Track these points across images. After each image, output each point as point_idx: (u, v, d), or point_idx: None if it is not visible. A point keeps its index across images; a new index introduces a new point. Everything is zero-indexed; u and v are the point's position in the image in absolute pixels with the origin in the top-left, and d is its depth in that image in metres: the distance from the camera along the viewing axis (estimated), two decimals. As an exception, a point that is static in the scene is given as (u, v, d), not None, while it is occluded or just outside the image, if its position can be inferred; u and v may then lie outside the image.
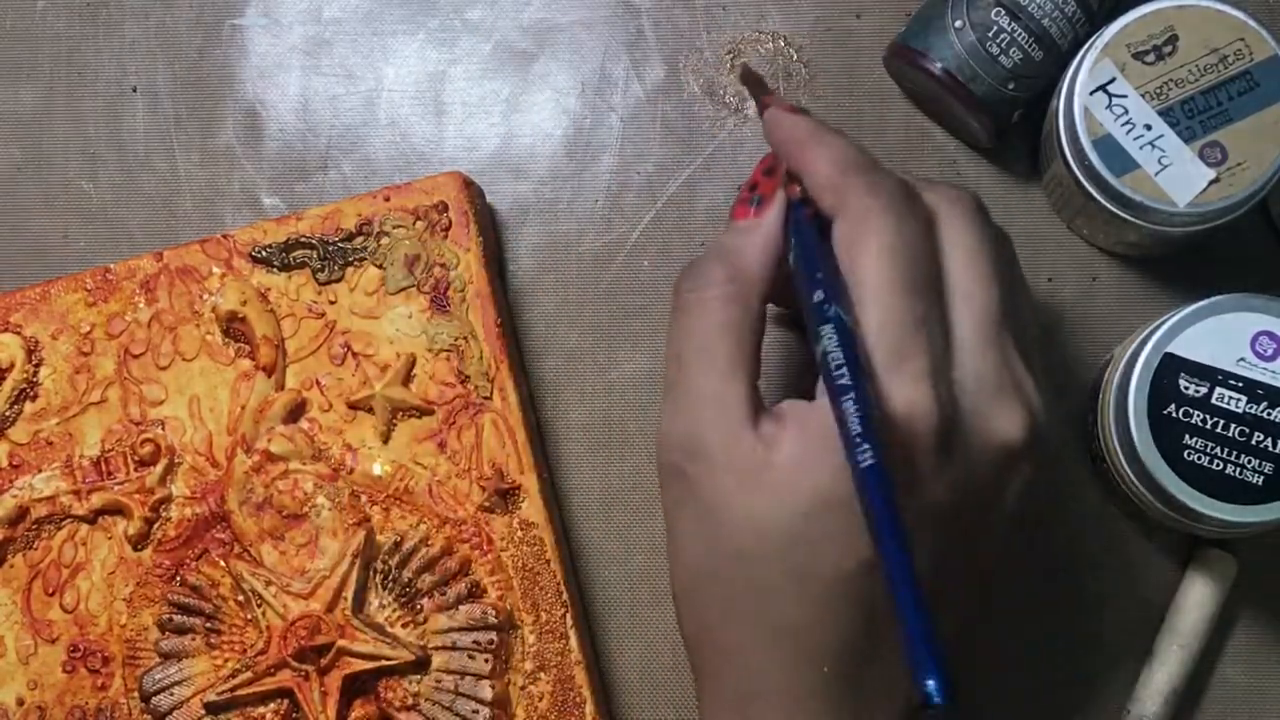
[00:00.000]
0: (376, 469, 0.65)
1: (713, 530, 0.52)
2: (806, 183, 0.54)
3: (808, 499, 0.49)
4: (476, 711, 0.63)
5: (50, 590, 0.65)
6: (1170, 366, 0.60)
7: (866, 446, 0.46)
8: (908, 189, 0.53)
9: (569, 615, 0.64)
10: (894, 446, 0.48)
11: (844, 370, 0.48)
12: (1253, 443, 0.59)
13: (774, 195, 0.55)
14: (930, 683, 0.43)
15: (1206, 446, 0.60)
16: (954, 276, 0.52)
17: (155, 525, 0.65)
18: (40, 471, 0.65)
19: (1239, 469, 0.59)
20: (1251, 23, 0.61)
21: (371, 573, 0.64)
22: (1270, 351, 0.60)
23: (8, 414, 0.66)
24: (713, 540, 0.52)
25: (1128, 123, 0.61)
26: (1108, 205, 0.62)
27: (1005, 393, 0.51)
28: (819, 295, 0.50)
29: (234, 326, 0.65)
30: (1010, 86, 0.64)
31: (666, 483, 0.53)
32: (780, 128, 0.55)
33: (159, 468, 0.65)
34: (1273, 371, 0.59)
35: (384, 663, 0.63)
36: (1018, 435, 0.51)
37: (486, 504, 0.64)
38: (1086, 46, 0.62)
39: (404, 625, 0.64)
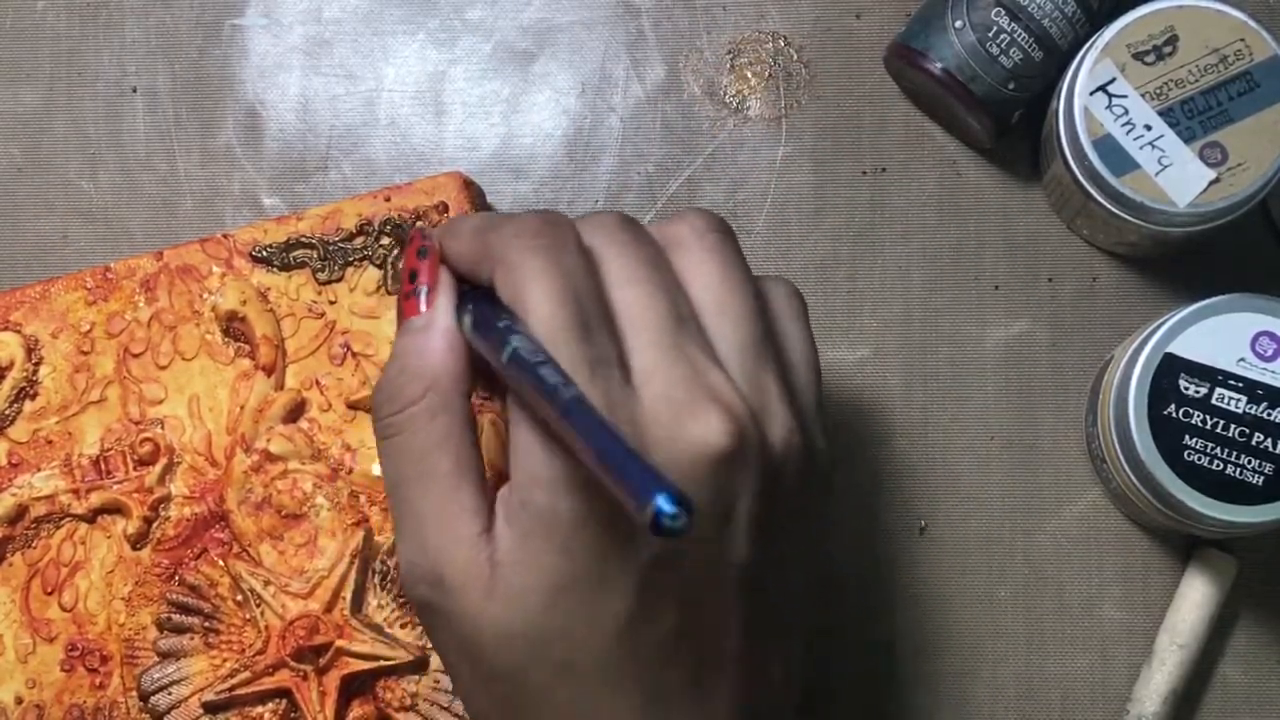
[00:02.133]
0: (376, 469, 0.64)
1: (477, 657, 0.49)
2: (458, 270, 0.52)
3: (544, 589, 0.47)
4: (475, 711, 0.63)
5: (49, 589, 0.65)
6: (1170, 367, 0.60)
7: (547, 381, 0.44)
8: (554, 220, 0.50)
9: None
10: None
11: (535, 353, 0.46)
12: (1253, 443, 0.59)
13: (436, 278, 0.53)
14: (659, 498, 0.39)
15: (1206, 447, 0.60)
16: (618, 301, 0.49)
17: (154, 524, 0.65)
18: (39, 470, 0.65)
19: (1239, 469, 0.59)
20: (1251, 23, 0.61)
21: (370, 573, 0.64)
22: (1270, 351, 0.60)
23: (7, 412, 0.66)
24: (474, 667, 0.50)
25: (1128, 123, 0.61)
26: (1108, 205, 0.62)
27: (697, 401, 0.47)
28: (503, 323, 0.48)
29: (234, 326, 0.65)
30: (1010, 86, 0.64)
31: (421, 616, 0.51)
32: (412, 246, 0.53)
33: (158, 467, 0.65)
34: (1273, 372, 0.59)
35: (382, 663, 0.63)
36: (718, 438, 0.47)
37: (486, 504, 0.64)
38: (1086, 47, 0.62)
39: (402, 625, 0.64)
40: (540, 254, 0.48)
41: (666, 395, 0.48)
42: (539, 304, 0.47)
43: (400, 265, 0.54)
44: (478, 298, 0.51)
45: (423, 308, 0.52)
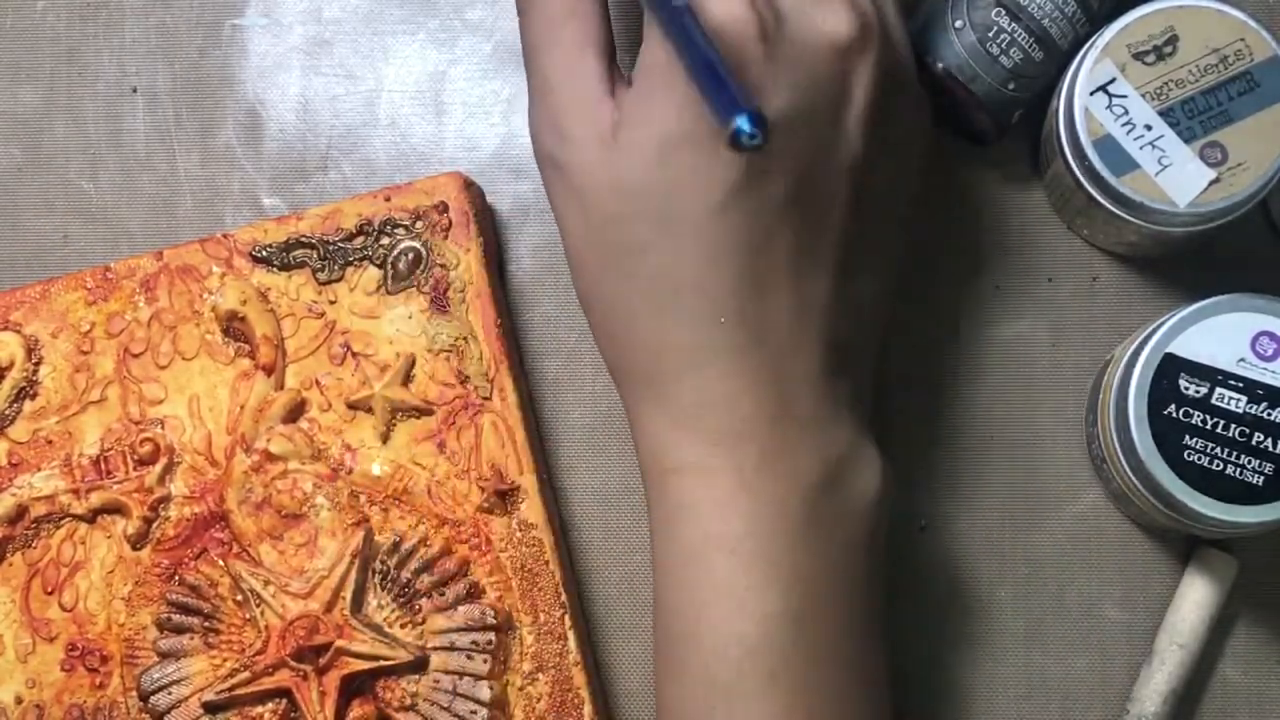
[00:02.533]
0: (376, 469, 0.65)
1: (588, 205, 0.53)
2: None
3: (654, 145, 0.50)
4: (475, 712, 0.63)
5: (49, 589, 0.65)
6: (1170, 366, 0.60)
7: None
8: None
9: (567, 616, 0.64)
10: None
11: None
12: (1253, 443, 0.59)
13: None
14: (739, 119, 0.42)
15: (1206, 447, 0.60)
16: None
17: (154, 524, 0.65)
18: (39, 470, 0.65)
19: (1239, 469, 0.59)
20: (1251, 23, 0.61)
21: (370, 573, 0.64)
22: (1270, 351, 0.60)
23: (7, 412, 0.66)
24: (590, 215, 0.53)
25: (1128, 123, 0.61)
26: (1108, 205, 0.62)
27: None
28: None
29: (234, 326, 0.65)
30: (1010, 86, 0.64)
31: (543, 172, 0.55)
32: None
33: (158, 467, 0.65)
34: (1273, 371, 0.59)
35: (382, 663, 0.63)
36: (845, 29, 0.52)
37: (485, 504, 0.64)
38: (1087, 46, 0.62)
39: (402, 625, 0.64)
40: None
41: None
42: None
43: None
44: None
45: None
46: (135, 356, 0.66)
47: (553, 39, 0.54)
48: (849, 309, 0.55)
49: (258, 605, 0.64)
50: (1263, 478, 0.59)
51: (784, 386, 0.53)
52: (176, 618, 0.64)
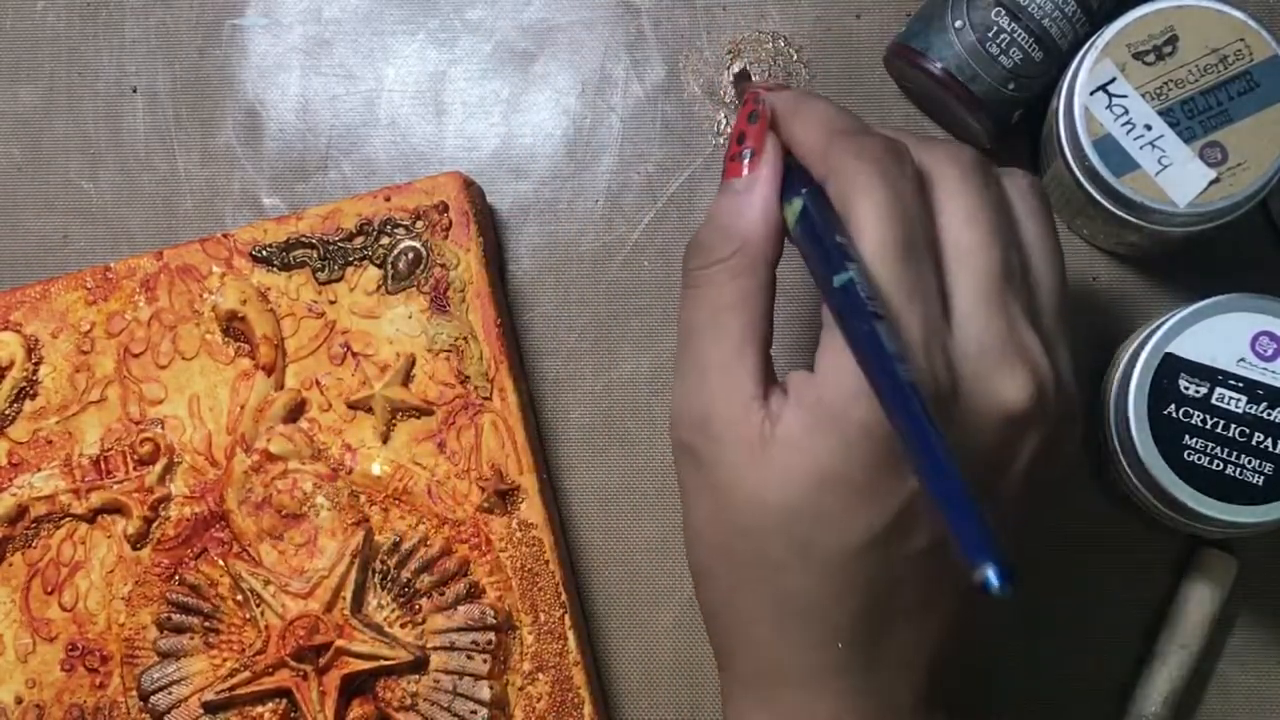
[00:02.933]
0: (376, 469, 0.65)
1: (723, 506, 0.51)
2: (795, 153, 0.53)
3: (808, 475, 0.49)
4: (475, 712, 0.63)
5: (49, 589, 0.65)
6: (1170, 366, 0.60)
7: (890, 363, 0.46)
8: (897, 149, 0.51)
9: (567, 616, 0.64)
10: None
11: (868, 302, 0.47)
12: (1253, 443, 0.59)
13: (764, 146, 0.53)
14: (989, 570, 0.40)
15: (1206, 446, 0.60)
16: (951, 238, 0.51)
17: (154, 524, 0.65)
18: (39, 470, 0.65)
19: (1239, 469, 0.59)
20: (1251, 23, 0.61)
21: (370, 573, 0.64)
22: (1270, 351, 0.60)
23: (7, 412, 0.66)
24: (723, 516, 0.51)
25: (1128, 123, 0.61)
26: (1108, 205, 0.62)
27: (1007, 358, 0.50)
28: (840, 239, 0.49)
29: (234, 326, 0.65)
30: (1010, 86, 0.64)
31: (680, 459, 0.53)
32: (745, 108, 0.54)
33: (158, 467, 0.65)
34: (1273, 371, 0.59)
35: (382, 663, 0.63)
36: (1022, 401, 0.49)
37: (486, 504, 0.64)
38: (1086, 46, 0.62)
39: (402, 625, 0.64)
40: (879, 171, 0.49)
41: (981, 342, 0.49)
42: (872, 222, 0.49)
43: (730, 125, 0.54)
44: (812, 190, 0.51)
45: (742, 172, 0.53)
46: (135, 356, 0.66)
47: (717, 326, 0.52)
48: (964, 636, 0.55)
49: (258, 605, 0.64)
50: (1263, 478, 0.59)
51: (885, 711, 0.53)
52: (176, 617, 0.64)
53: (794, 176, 0.52)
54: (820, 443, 0.49)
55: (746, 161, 0.53)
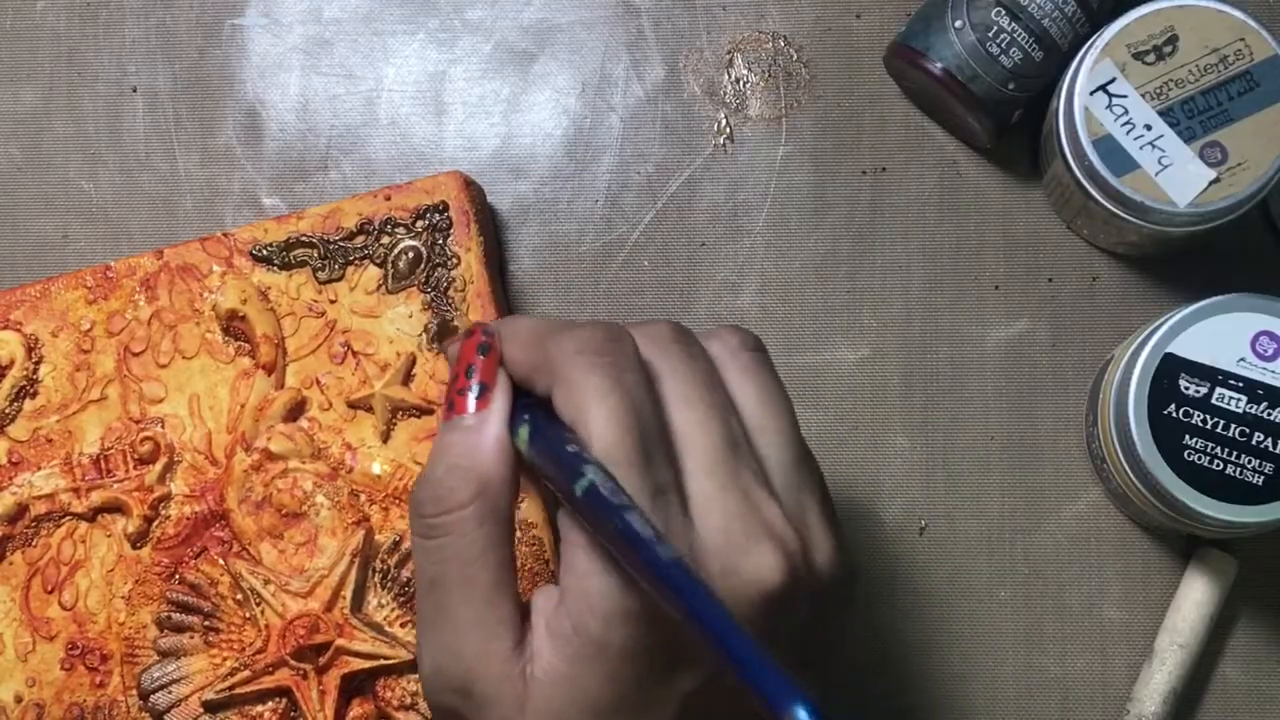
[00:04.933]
0: (376, 468, 0.65)
1: None
2: (515, 374, 0.50)
3: (580, 710, 0.47)
4: (475, 710, 0.63)
5: (49, 588, 0.65)
6: (1170, 366, 0.60)
7: (650, 548, 0.43)
8: (616, 334, 0.49)
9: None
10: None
11: (617, 494, 0.45)
12: (1253, 443, 0.59)
13: (494, 378, 0.50)
14: (800, 712, 0.39)
15: (1206, 446, 0.60)
16: (674, 423, 0.48)
17: (154, 523, 0.65)
18: (40, 469, 0.65)
19: (1239, 469, 0.59)
20: (1251, 23, 0.61)
21: (370, 572, 0.64)
22: (1270, 351, 0.60)
23: (7, 411, 0.66)
24: None
25: (1128, 123, 0.61)
26: (1108, 205, 0.62)
27: (751, 538, 0.47)
28: (572, 448, 0.47)
29: (234, 325, 0.65)
30: (1010, 86, 0.64)
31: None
32: (472, 340, 0.51)
33: (158, 466, 0.65)
34: (1273, 371, 0.59)
35: (382, 662, 0.63)
36: (775, 578, 0.47)
37: (486, 503, 0.64)
38: (1086, 46, 0.62)
39: (402, 624, 0.64)
40: (603, 373, 0.47)
41: (724, 528, 0.47)
42: (603, 429, 0.46)
43: (453, 355, 0.52)
44: (534, 410, 0.49)
45: (471, 407, 0.50)
46: (135, 355, 0.66)
47: (465, 581, 0.49)
48: None
49: (258, 604, 0.64)
50: (1263, 478, 0.59)
51: None
52: (176, 616, 0.64)
53: (517, 404, 0.50)
54: (584, 674, 0.47)
55: (474, 396, 0.50)
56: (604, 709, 0.47)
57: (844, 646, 0.54)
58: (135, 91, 0.72)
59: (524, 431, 0.49)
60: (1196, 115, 0.61)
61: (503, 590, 0.49)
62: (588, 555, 0.46)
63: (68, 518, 0.65)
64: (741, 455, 0.48)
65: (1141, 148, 0.61)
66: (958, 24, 0.64)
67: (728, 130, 0.70)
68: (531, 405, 0.49)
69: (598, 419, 0.47)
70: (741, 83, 0.70)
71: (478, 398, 0.50)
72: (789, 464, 0.50)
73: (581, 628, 0.46)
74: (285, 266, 0.66)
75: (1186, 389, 0.60)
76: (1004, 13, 0.64)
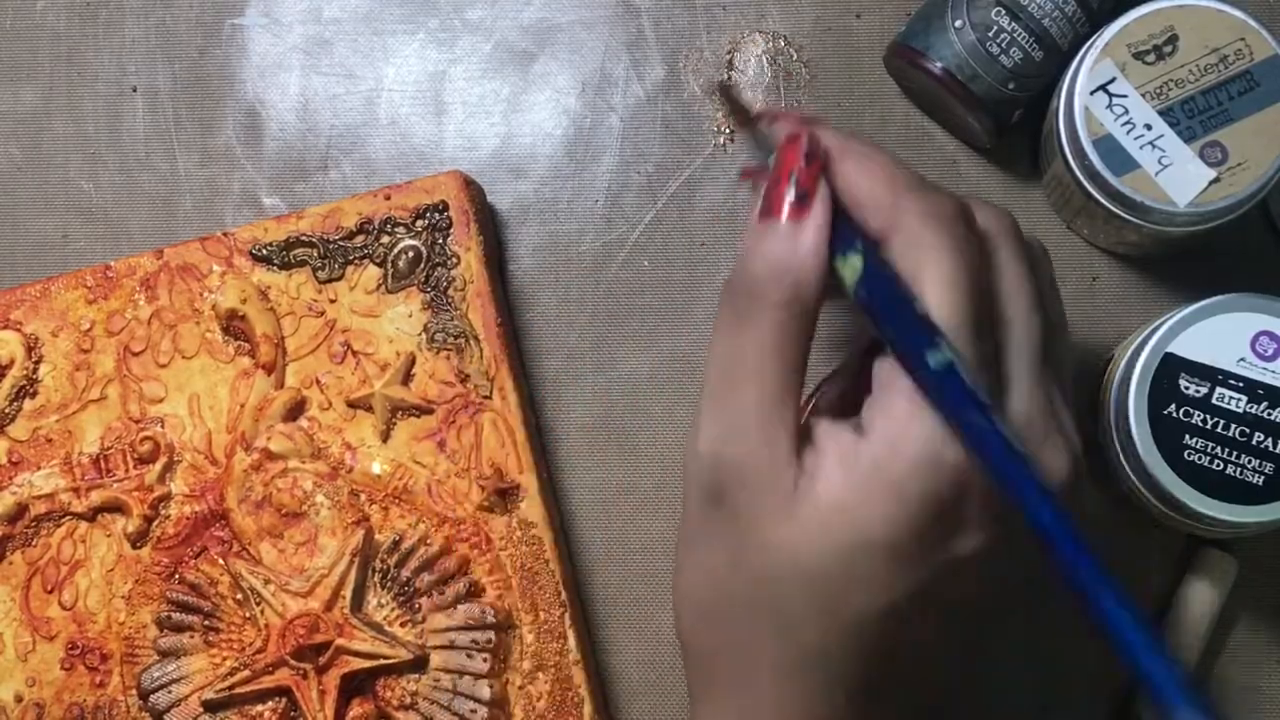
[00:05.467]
0: (376, 468, 0.65)
1: (742, 553, 0.50)
2: (851, 202, 0.50)
3: (848, 540, 0.48)
4: (475, 711, 0.63)
5: (49, 587, 0.65)
6: (1170, 366, 0.60)
7: (1021, 466, 0.45)
8: (965, 211, 0.50)
9: (567, 615, 0.64)
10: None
11: (975, 390, 0.46)
12: (1253, 443, 0.59)
13: (817, 189, 0.49)
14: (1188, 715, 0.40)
15: (1207, 446, 0.60)
16: (1003, 305, 0.50)
17: (154, 523, 0.65)
18: (39, 469, 0.65)
19: (1239, 469, 0.59)
20: (1252, 22, 0.61)
21: (370, 571, 0.64)
22: (1270, 351, 0.60)
23: (7, 411, 0.66)
24: (742, 562, 0.50)
25: (1128, 123, 0.61)
26: (1108, 205, 0.62)
27: (1051, 435, 0.49)
28: (920, 310, 0.47)
29: (234, 324, 0.65)
30: (1010, 86, 0.64)
31: (698, 498, 0.51)
32: (795, 143, 0.50)
33: (158, 465, 0.65)
34: (1273, 371, 0.59)
35: (382, 661, 0.63)
36: (1064, 474, 0.49)
37: (486, 503, 0.64)
38: (1086, 46, 0.62)
39: (402, 624, 0.64)
40: (952, 238, 0.48)
41: (1029, 417, 0.49)
42: (944, 293, 0.48)
43: (774, 155, 0.51)
44: (869, 249, 0.49)
45: (790, 213, 0.49)
46: (135, 355, 0.66)
47: (761, 370, 0.49)
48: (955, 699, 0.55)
49: (258, 604, 0.63)
50: (1263, 478, 0.59)
51: None
52: (176, 616, 0.64)
53: (842, 227, 0.49)
54: (869, 508, 0.48)
55: (791, 203, 0.49)
56: (872, 545, 0.48)
57: None
58: (135, 91, 0.72)
59: (856, 262, 0.49)
60: (1196, 115, 0.61)
61: (791, 393, 0.50)
62: (910, 402, 0.47)
63: (68, 517, 0.65)
64: (1052, 356, 0.51)
65: (1141, 148, 0.61)
66: (958, 24, 0.64)
67: (728, 130, 0.70)
68: (864, 240, 0.49)
69: (939, 281, 0.48)
70: (742, 83, 0.70)
71: (795, 205, 0.49)
72: (1068, 376, 0.52)
73: (885, 465, 0.47)
74: (285, 266, 0.66)
75: (1186, 389, 0.60)
76: (1004, 13, 0.64)
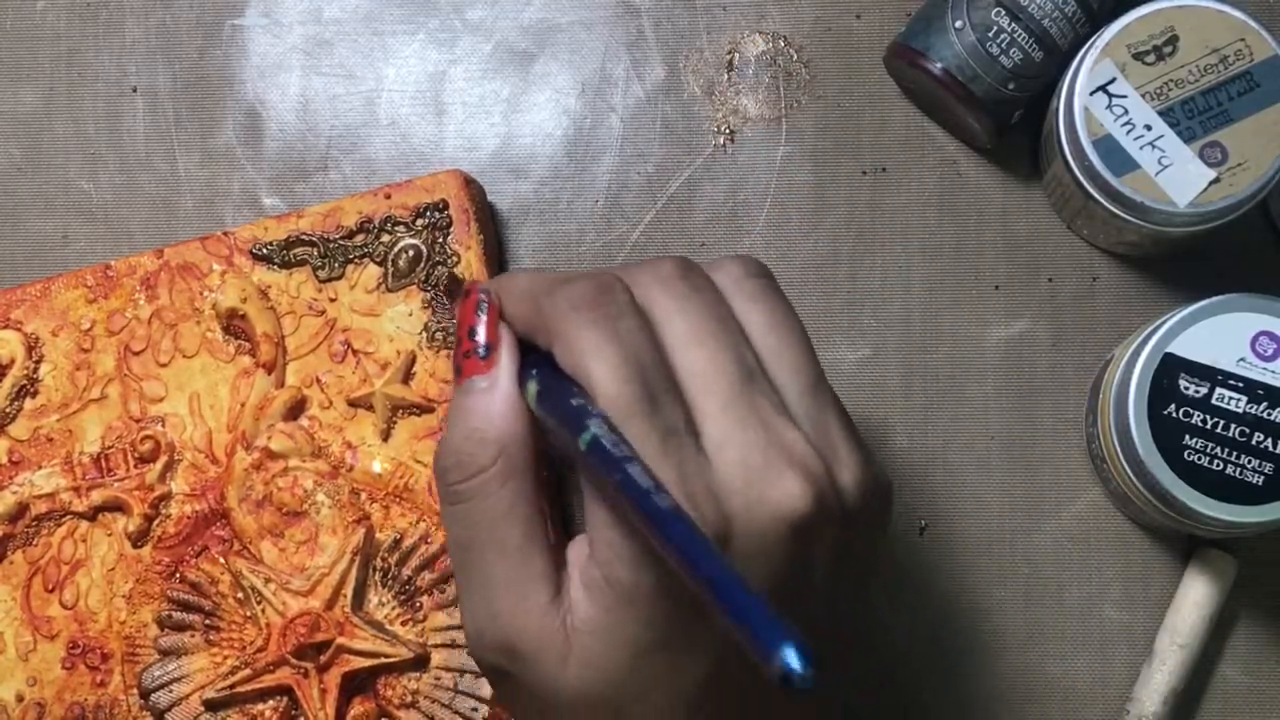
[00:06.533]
0: (376, 466, 0.65)
1: (548, 709, 0.49)
2: (518, 331, 0.50)
3: (623, 654, 0.47)
4: (476, 709, 0.63)
5: (50, 587, 0.65)
6: (1170, 366, 0.60)
7: (648, 498, 0.43)
8: (606, 285, 0.48)
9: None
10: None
11: (619, 445, 0.45)
12: (1253, 443, 0.59)
13: (497, 336, 0.50)
14: (788, 654, 0.38)
15: (1206, 446, 0.60)
16: (682, 363, 0.48)
17: (155, 522, 0.65)
18: (40, 468, 0.65)
19: (1239, 469, 0.59)
20: (1251, 23, 0.61)
21: (371, 570, 0.64)
22: (1270, 351, 0.60)
23: (8, 410, 0.66)
24: (551, 716, 0.49)
25: (1128, 123, 0.61)
26: (1108, 205, 0.62)
27: (773, 468, 0.46)
28: (576, 402, 0.46)
29: (234, 324, 0.65)
30: (1010, 86, 0.64)
31: (492, 681, 0.51)
32: (469, 300, 0.51)
33: (159, 465, 0.65)
34: (1273, 371, 0.59)
35: (383, 660, 0.63)
36: (801, 505, 0.46)
37: (486, 503, 0.64)
38: (1086, 46, 0.62)
39: (403, 623, 0.64)
40: (598, 326, 0.47)
41: (742, 461, 0.47)
42: (602, 380, 0.46)
43: (455, 319, 0.52)
44: (540, 364, 0.49)
45: (478, 369, 0.50)
46: (136, 354, 0.66)
47: (496, 540, 0.49)
48: None
49: (258, 603, 0.63)
50: (1263, 478, 0.59)
51: None
52: (177, 615, 0.64)
53: (525, 359, 0.50)
54: (621, 621, 0.47)
55: (480, 358, 0.50)
56: (644, 652, 0.47)
57: (878, 570, 0.54)
58: (135, 91, 0.72)
59: (532, 388, 0.49)
60: (1196, 115, 0.61)
61: (533, 546, 0.49)
62: (607, 507, 0.46)
63: (68, 517, 0.65)
64: (757, 385, 0.48)
65: (1141, 148, 0.61)
66: (958, 24, 0.64)
67: (728, 130, 0.70)
68: (539, 360, 0.49)
69: (597, 372, 0.46)
70: (742, 83, 0.70)
71: (483, 358, 0.50)
72: (806, 388, 0.49)
73: (612, 576, 0.46)
74: (285, 265, 0.66)
75: (1186, 389, 0.60)
76: (1004, 13, 0.64)
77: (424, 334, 0.65)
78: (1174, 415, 0.60)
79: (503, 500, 0.49)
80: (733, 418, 0.47)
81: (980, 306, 0.69)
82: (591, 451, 0.45)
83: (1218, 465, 0.60)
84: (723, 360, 0.48)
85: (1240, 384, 0.60)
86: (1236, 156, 0.61)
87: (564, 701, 0.48)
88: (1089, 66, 0.61)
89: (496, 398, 0.49)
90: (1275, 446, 0.59)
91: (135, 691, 0.64)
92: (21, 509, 0.65)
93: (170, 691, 0.64)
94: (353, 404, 0.65)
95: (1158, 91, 0.61)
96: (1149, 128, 0.61)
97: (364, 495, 0.64)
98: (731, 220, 0.70)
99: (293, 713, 0.63)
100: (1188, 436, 0.60)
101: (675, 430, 0.46)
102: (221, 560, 0.64)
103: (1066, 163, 0.63)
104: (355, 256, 0.66)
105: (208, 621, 0.64)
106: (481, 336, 0.50)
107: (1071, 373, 0.68)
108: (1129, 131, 0.61)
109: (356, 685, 0.63)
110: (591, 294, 0.48)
